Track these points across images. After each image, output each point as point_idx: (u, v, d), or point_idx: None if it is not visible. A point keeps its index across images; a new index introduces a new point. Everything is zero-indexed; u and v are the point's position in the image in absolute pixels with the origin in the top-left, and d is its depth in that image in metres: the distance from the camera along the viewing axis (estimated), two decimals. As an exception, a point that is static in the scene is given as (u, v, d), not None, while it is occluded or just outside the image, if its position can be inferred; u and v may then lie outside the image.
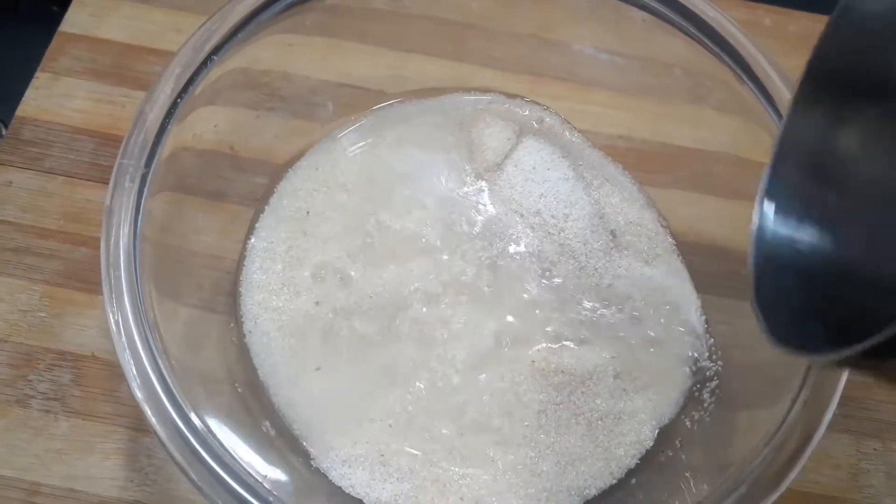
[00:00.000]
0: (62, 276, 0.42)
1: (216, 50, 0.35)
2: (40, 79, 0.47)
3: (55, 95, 0.47)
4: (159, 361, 0.30)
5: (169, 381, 0.30)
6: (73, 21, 0.49)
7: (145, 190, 0.33)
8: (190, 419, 0.30)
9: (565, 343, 0.40)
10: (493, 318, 0.40)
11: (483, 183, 0.43)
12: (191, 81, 0.35)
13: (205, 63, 0.35)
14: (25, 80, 0.47)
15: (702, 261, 0.43)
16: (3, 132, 0.46)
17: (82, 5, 0.49)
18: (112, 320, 0.30)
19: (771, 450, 0.31)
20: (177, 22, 0.49)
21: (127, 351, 0.30)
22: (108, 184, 0.33)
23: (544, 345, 0.39)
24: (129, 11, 0.49)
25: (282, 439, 0.37)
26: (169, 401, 0.30)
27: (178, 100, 0.34)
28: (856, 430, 0.42)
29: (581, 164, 0.44)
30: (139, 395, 0.29)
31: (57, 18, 0.49)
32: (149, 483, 0.38)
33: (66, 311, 0.42)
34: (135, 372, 0.30)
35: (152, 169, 0.33)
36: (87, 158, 0.45)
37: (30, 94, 0.47)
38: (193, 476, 0.29)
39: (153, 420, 0.29)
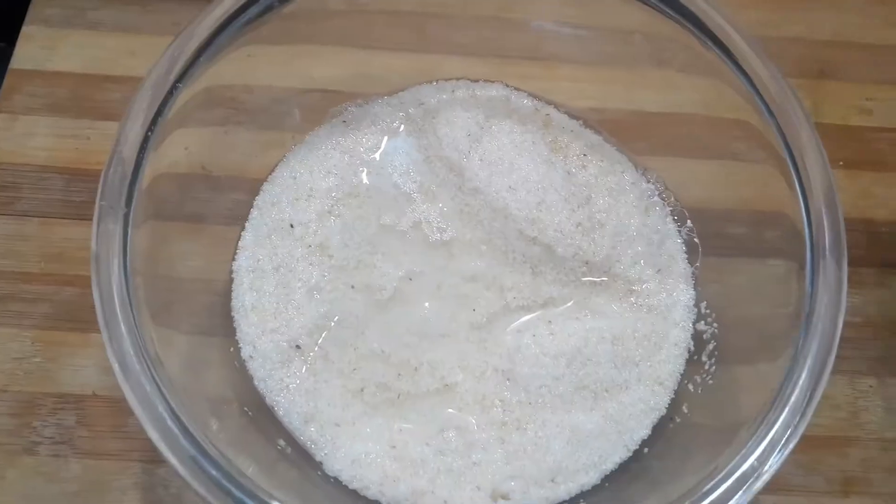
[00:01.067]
0: (52, 319, 0.42)
1: (181, 77, 0.35)
2: (-2, 120, 0.46)
3: (16, 136, 0.46)
4: (168, 398, 0.30)
5: (181, 416, 0.30)
6: (23, 56, 0.48)
7: (129, 228, 0.32)
8: (206, 451, 0.30)
9: (550, 315, 0.40)
10: (472, 305, 0.40)
11: (452, 177, 0.42)
12: (159, 112, 0.34)
13: (171, 92, 0.34)
14: (-19, 123, 0.46)
15: (684, 222, 0.43)
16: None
17: (30, 39, 0.48)
18: (116, 364, 0.30)
19: (780, 403, 0.31)
20: (129, 45, 0.48)
21: (133, 395, 0.30)
22: (84, 220, 0.33)
23: (528, 317, 0.40)
24: (78, 40, 0.48)
25: (297, 454, 0.37)
26: (184, 437, 0.29)
27: (149, 133, 0.34)
28: (850, 369, 0.43)
29: (554, 141, 0.44)
30: (154, 435, 0.29)
31: (6, 56, 0.48)
32: (169, 514, 0.38)
33: (60, 353, 0.41)
34: (146, 415, 0.29)
35: (133, 205, 0.33)
36: (59, 196, 0.44)
37: (-10, 137, 0.46)
38: (219, 508, 0.29)
39: (173, 460, 0.29)
